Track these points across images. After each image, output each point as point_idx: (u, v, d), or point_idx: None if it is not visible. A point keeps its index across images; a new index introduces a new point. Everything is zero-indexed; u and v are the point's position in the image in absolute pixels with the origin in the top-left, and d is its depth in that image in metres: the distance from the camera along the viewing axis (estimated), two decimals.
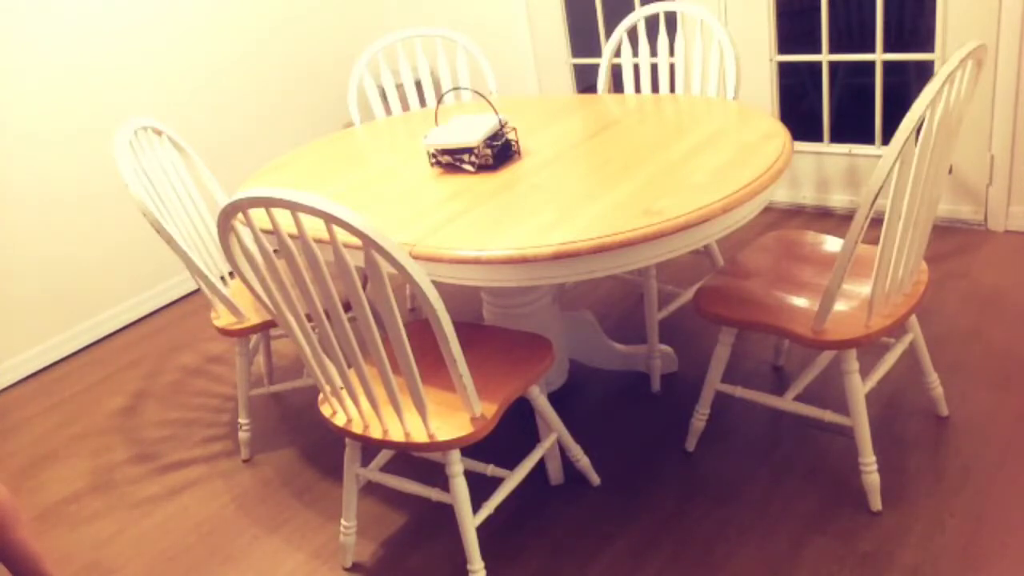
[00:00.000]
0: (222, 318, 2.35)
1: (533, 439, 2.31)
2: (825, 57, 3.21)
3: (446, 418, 1.72)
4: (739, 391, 2.06)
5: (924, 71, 3.50)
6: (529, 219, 1.76)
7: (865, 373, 1.96)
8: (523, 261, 1.63)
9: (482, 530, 2.07)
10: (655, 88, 3.84)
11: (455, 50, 4.18)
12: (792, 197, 3.50)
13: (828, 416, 1.93)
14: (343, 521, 2.01)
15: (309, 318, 2.22)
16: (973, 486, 1.93)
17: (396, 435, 1.71)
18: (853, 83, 3.78)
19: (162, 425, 2.81)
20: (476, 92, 2.24)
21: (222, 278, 2.43)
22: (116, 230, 3.53)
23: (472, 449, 2.21)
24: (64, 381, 3.23)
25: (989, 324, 2.49)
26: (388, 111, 4.23)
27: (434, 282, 1.63)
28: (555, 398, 2.49)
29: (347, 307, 2.31)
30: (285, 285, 1.57)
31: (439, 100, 2.52)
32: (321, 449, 2.52)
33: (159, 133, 2.37)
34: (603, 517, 2.05)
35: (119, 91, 3.49)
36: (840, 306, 1.84)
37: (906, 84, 3.56)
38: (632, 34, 2.79)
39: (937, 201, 1.80)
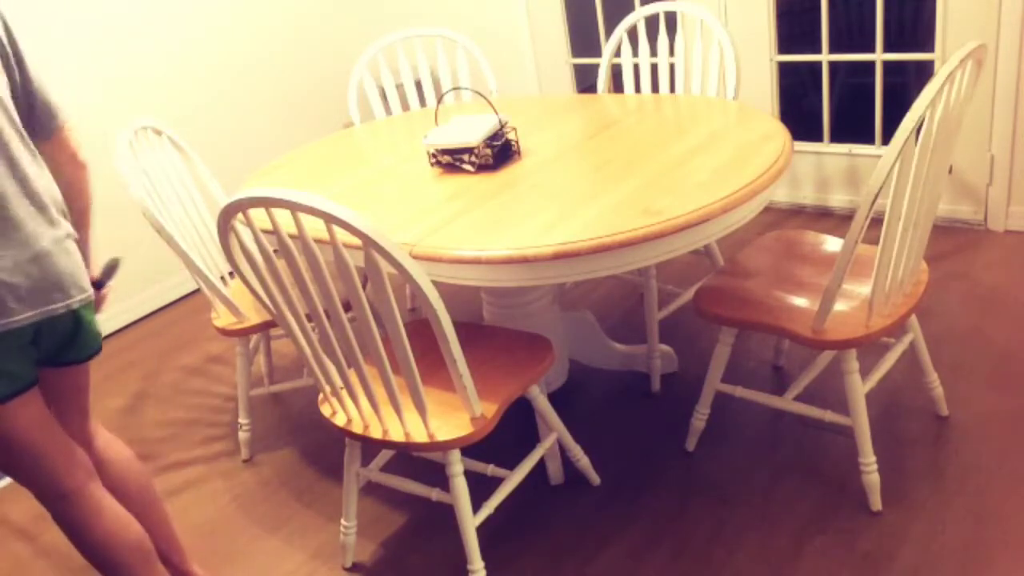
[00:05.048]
0: (222, 318, 2.35)
1: (533, 439, 2.31)
2: (825, 57, 3.21)
3: (446, 418, 1.72)
4: (739, 391, 2.06)
5: (924, 71, 3.50)
6: (529, 219, 1.76)
7: (865, 373, 1.96)
8: (523, 261, 1.63)
9: (482, 530, 2.07)
10: (655, 88, 3.83)
11: (455, 50, 4.18)
12: (792, 197, 3.50)
13: (828, 416, 1.93)
14: (343, 521, 2.01)
15: (309, 318, 2.22)
16: (973, 486, 1.93)
17: (396, 435, 1.71)
18: (853, 83, 3.77)
19: (162, 425, 2.81)
20: (476, 92, 2.24)
21: (222, 278, 2.43)
22: (116, 230, 3.52)
23: (472, 449, 2.20)
24: None
25: (989, 324, 2.49)
26: (388, 111, 4.23)
27: (434, 282, 1.63)
28: (555, 398, 2.49)
29: (347, 307, 2.31)
30: (285, 285, 1.57)
31: (439, 100, 2.52)
32: (321, 449, 2.52)
33: (159, 133, 2.37)
34: (603, 517, 2.05)
35: (119, 91, 3.49)
36: (840, 306, 1.84)
37: (906, 84, 3.55)
38: (632, 34, 2.78)
39: (937, 201, 1.80)
